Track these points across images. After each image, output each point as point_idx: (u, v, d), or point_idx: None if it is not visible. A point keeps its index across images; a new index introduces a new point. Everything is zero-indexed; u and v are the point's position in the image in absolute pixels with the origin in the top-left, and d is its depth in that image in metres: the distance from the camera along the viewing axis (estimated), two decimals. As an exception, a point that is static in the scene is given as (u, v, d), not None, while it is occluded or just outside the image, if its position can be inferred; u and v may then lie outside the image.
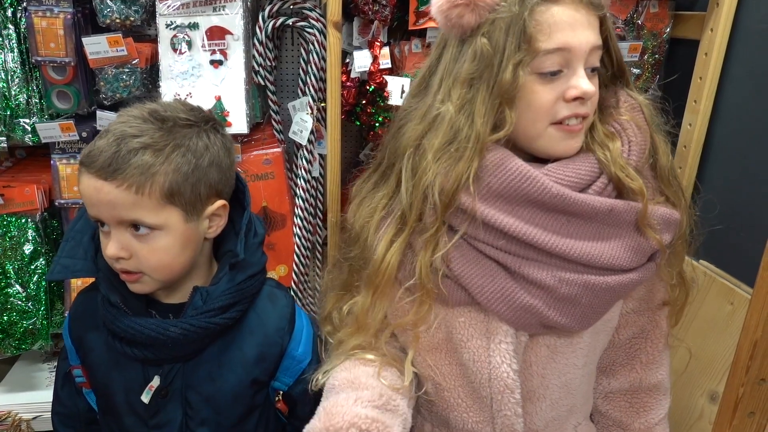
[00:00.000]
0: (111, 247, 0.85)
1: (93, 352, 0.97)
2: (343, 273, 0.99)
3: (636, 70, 1.43)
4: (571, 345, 0.89)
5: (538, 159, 0.86)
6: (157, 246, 0.86)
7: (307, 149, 1.40)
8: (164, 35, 1.27)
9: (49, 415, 1.09)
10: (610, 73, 0.89)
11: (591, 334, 0.90)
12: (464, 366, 0.89)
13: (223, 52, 1.28)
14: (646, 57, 1.42)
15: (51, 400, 1.08)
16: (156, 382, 0.94)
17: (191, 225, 0.88)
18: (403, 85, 1.30)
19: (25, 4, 1.21)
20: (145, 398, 0.94)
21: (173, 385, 0.94)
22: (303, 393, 0.99)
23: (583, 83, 0.79)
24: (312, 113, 1.37)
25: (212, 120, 0.93)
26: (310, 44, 1.34)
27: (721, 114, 1.32)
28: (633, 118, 0.87)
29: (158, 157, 0.83)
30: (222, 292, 0.91)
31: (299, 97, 1.40)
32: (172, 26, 1.26)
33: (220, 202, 0.91)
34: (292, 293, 1.45)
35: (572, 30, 0.78)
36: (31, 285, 1.35)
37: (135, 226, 0.85)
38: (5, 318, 1.35)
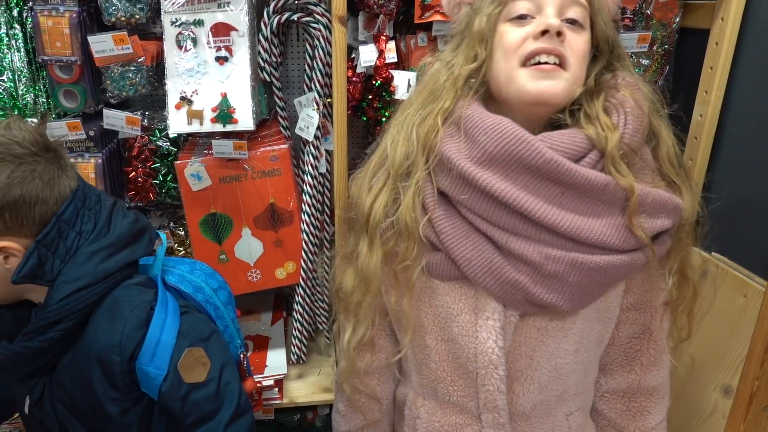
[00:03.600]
0: None
1: None
2: (348, 243, 1.01)
3: (645, 61, 1.41)
4: (563, 329, 0.88)
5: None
6: None
7: (313, 145, 1.39)
8: (169, 32, 1.26)
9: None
10: (604, 51, 0.89)
11: (583, 320, 0.89)
12: (452, 341, 0.90)
13: (228, 49, 1.28)
14: (655, 47, 1.40)
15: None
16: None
17: None
18: (409, 80, 1.29)
19: (30, 3, 1.22)
20: (27, 409, 0.99)
21: (45, 396, 0.96)
22: (168, 408, 0.95)
23: (550, 19, 0.82)
24: (318, 109, 1.37)
25: (25, 154, 0.86)
26: (316, 40, 1.34)
27: (733, 104, 1.30)
28: (632, 94, 0.87)
29: None
30: (47, 311, 0.89)
31: (305, 93, 1.40)
32: (177, 23, 1.26)
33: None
34: (288, 295, 1.45)
35: None
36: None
37: None
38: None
